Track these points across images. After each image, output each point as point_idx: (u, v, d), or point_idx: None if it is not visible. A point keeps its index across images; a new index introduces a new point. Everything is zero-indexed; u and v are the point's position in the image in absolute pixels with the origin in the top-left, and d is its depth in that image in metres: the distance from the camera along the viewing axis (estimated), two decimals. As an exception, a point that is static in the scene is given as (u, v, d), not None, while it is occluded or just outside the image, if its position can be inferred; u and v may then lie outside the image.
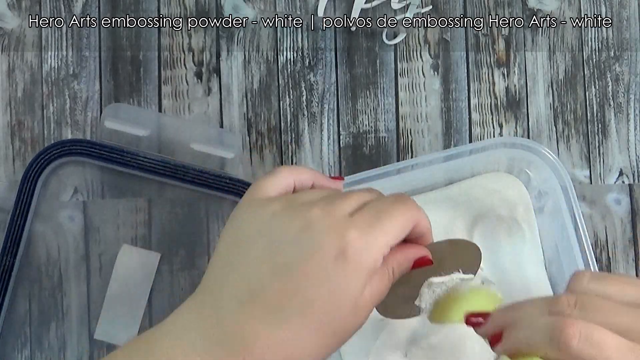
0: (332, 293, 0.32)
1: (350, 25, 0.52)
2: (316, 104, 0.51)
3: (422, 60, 0.52)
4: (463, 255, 0.40)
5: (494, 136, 0.52)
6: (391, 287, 0.35)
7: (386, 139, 0.51)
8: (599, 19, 0.53)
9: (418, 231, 0.36)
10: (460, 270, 0.39)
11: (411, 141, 0.51)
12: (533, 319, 0.31)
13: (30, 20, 0.51)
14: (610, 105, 0.52)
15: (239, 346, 0.32)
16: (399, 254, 0.35)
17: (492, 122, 0.52)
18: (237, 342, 0.32)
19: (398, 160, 0.51)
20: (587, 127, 0.52)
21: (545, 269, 0.48)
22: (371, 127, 0.51)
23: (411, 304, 0.39)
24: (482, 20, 0.52)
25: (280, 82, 0.51)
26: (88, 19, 0.51)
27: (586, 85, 0.53)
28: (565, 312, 0.30)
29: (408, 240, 0.36)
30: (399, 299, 0.38)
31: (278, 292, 0.32)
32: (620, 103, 0.52)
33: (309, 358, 0.33)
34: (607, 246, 0.51)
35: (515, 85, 0.52)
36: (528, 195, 0.48)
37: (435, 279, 0.39)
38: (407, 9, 0.52)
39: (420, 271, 0.37)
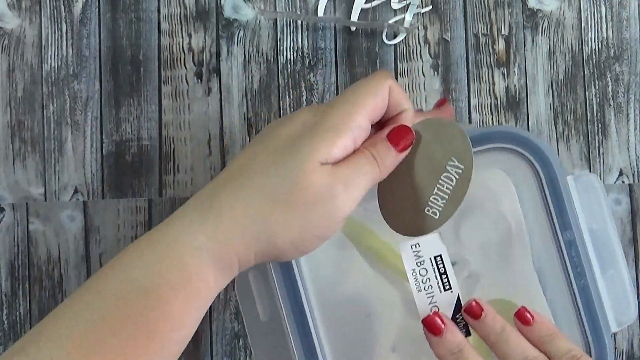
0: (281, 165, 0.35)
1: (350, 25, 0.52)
2: (316, 104, 0.51)
3: (422, 60, 0.52)
4: (449, 140, 0.38)
5: (494, 136, 0.52)
6: (396, 199, 0.37)
7: (386, 139, 0.51)
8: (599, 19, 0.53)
9: (394, 103, 0.37)
10: (454, 159, 0.37)
11: (411, 141, 0.52)
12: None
13: (30, 21, 0.51)
14: (610, 105, 0.52)
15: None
16: (375, 139, 0.37)
17: (492, 122, 0.52)
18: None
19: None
20: (587, 127, 0.52)
21: (533, 263, 0.47)
22: (371, 127, 0.51)
23: (423, 215, 0.38)
24: (482, 20, 0.52)
25: (280, 82, 0.51)
26: (88, 19, 0.51)
27: (586, 85, 0.53)
28: None
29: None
30: (408, 211, 0.38)
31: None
32: (620, 103, 0.52)
33: (285, 233, 0.35)
34: (607, 246, 0.51)
35: (515, 86, 0.52)
36: (513, 188, 0.47)
37: (451, 166, 0.37)
38: (407, 9, 0.52)
39: (417, 170, 0.37)
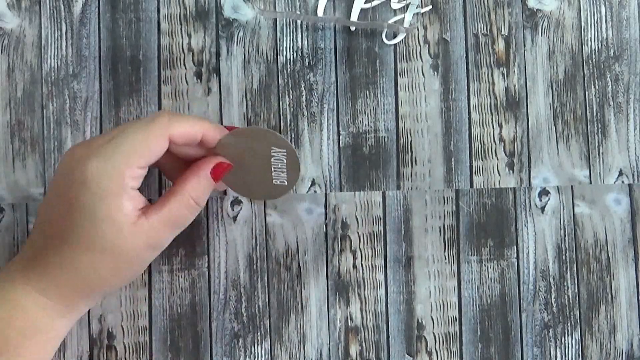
0: (84, 216, 0.39)
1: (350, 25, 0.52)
2: (316, 104, 0.51)
3: (422, 60, 0.52)
4: (261, 138, 0.44)
5: (493, 136, 0.52)
6: (246, 184, 0.45)
7: (386, 139, 0.51)
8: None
9: (186, 137, 0.42)
10: (273, 147, 0.44)
11: (411, 141, 0.52)
12: None
13: (30, 21, 0.51)
14: (610, 105, 0.52)
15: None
16: (191, 180, 0.42)
17: (492, 122, 0.52)
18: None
19: (397, 160, 0.51)
20: (587, 127, 0.52)
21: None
22: (371, 127, 0.52)
23: (275, 185, 0.45)
24: (482, 20, 0.52)
25: (280, 82, 0.52)
26: (88, 19, 0.51)
27: (586, 85, 0.53)
28: None
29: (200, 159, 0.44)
30: (260, 186, 0.45)
31: (56, 226, 0.41)
32: (620, 103, 0.52)
33: (101, 280, 0.41)
34: (607, 246, 0.52)
35: (515, 85, 0.52)
36: None
37: (275, 152, 0.44)
38: (407, 9, 0.52)
39: (250, 164, 0.44)
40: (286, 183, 0.45)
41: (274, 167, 0.45)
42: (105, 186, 0.39)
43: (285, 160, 0.44)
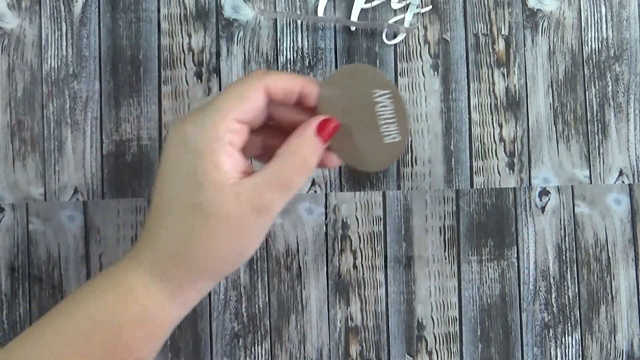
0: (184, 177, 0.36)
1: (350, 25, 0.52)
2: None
3: (422, 60, 0.52)
4: (362, 79, 0.40)
5: (494, 136, 0.52)
6: (354, 148, 0.40)
7: (386, 139, 0.51)
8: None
9: (283, 89, 0.38)
10: (376, 90, 0.39)
11: (411, 141, 0.52)
12: None
13: (30, 21, 0.51)
14: (610, 105, 0.52)
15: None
16: (295, 139, 0.38)
17: (492, 122, 0.52)
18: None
19: (398, 160, 0.51)
20: (587, 127, 0.52)
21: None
22: (371, 127, 0.51)
23: (387, 145, 0.40)
24: (482, 20, 0.52)
25: (280, 82, 0.51)
26: (88, 19, 0.51)
27: (586, 85, 0.53)
28: None
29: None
30: (373, 149, 0.40)
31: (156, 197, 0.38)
32: (620, 103, 0.52)
33: (208, 252, 0.37)
34: (607, 246, 0.52)
35: (515, 85, 0.52)
36: None
37: (378, 97, 0.39)
38: (407, 9, 0.52)
39: (354, 117, 0.39)
40: (399, 138, 0.40)
41: (382, 119, 0.40)
42: (202, 143, 0.36)
43: (391, 106, 0.40)
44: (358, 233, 0.51)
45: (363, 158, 0.40)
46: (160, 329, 0.38)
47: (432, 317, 0.51)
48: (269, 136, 0.41)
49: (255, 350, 0.50)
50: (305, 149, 0.38)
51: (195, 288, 0.38)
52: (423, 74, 0.52)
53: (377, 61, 0.52)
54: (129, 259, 0.38)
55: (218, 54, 0.51)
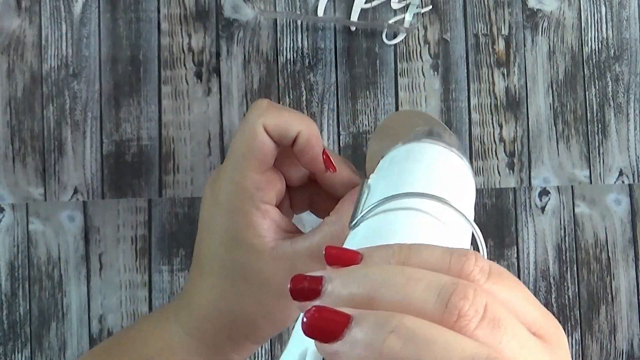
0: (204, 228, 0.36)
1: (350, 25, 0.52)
2: (316, 104, 0.51)
3: (422, 60, 0.52)
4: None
5: (494, 136, 0.52)
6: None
7: (386, 139, 0.51)
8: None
9: (279, 130, 0.34)
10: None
11: (411, 141, 0.52)
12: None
13: (30, 21, 0.51)
14: (610, 105, 0.52)
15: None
16: (346, 206, 0.34)
17: (492, 122, 0.52)
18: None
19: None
20: (587, 127, 0.52)
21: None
22: (371, 127, 0.51)
23: None
24: (482, 20, 0.52)
25: (280, 82, 0.51)
26: (88, 19, 0.51)
27: (586, 85, 0.53)
28: (471, 275, 0.21)
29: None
30: None
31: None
32: (620, 103, 0.52)
33: (244, 316, 0.35)
34: (607, 246, 0.51)
35: (515, 85, 0.52)
36: None
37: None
38: (407, 9, 0.52)
39: None
40: None
41: None
42: (235, 203, 0.34)
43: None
44: (358, 233, 0.51)
45: None
46: None
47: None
48: (315, 193, 0.39)
49: (255, 350, 0.50)
50: (343, 217, 0.34)
51: (231, 349, 0.36)
52: (423, 74, 0.52)
53: (377, 61, 0.52)
54: (169, 308, 0.37)
55: (218, 54, 0.51)
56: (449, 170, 0.30)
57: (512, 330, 0.20)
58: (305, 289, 0.20)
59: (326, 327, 0.19)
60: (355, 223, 0.26)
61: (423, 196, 0.26)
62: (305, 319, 0.19)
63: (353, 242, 0.26)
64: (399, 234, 0.24)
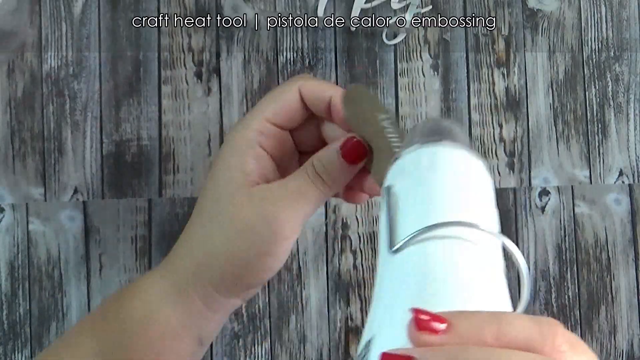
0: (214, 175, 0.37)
1: (350, 25, 0.51)
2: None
3: (422, 60, 0.52)
4: (371, 101, 0.38)
5: (494, 136, 0.52)
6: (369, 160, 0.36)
7: (386, 139, 0.51)
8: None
9: (315, 94, 0.37)
10: (377, 113, 0.37)
11: (411, 141, 0.52)
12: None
13: (30, 21, 0.51)
14: (610, 105, 0.52)
15: None
16: (324, 152, 0.36)
17: (492, 122, 0.52)
18: None
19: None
20: (587, 127, 0.52)
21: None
22: (371, 127, 0.51)
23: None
24: (482, 20, 0.52)
25: (280, 82, 0.51)
26: (88, 19, 0.51)
27: (586, 85, 0.53)
28: (561, 348, 0.21)
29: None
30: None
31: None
32: (620, 103, 0.52)
33: (213, 258, 0.36)
34: (607, 246, 0.51)
35: (515, 85, 0.52)
36: None
37: (383, 122, 0.36)
38: (407, 9, 0.52)
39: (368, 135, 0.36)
40: None
41: (392, 140, 0.37)
42: (235, 142, 0.36)
43: (393, 129, 0.37)
44: (358, 233, 0.51)
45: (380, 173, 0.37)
46: (169, 334, 0.36)
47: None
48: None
49: (255, 350, 0.50)
50: (324, 160, 0.36)
51: (201, 294, 0.36)
52: (423, 74, 0.52)
53: (377, 61, 0.52)
54: (164, 264, 0.38)
55: (218, 54, 0.51)
56: (478, 183, 0.31)
57: None
58: None
59: None
60: (398, 248, 0.26)
61: (462, 225, 0.27)
62: None
63: (399, 274, 0.26)
64: (458, 279, 0.25)
